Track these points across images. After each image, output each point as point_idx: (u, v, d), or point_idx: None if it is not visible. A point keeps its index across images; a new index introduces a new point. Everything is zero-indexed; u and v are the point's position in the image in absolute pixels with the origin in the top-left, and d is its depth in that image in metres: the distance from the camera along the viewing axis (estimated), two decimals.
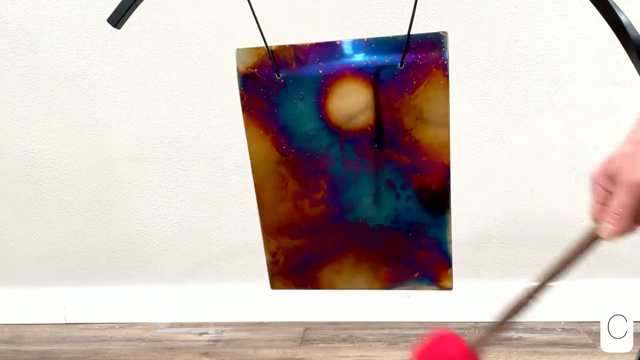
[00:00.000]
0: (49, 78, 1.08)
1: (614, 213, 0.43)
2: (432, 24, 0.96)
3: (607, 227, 0.44)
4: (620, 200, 0.42)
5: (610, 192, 0.44)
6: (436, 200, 0.50)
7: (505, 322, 0.48)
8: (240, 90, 0.50)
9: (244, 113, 0.51)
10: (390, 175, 0.50)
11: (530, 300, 0.48)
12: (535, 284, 0.48)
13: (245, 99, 0.51)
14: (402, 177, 0.50)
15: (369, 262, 0.54)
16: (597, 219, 0.46)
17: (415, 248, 0.52)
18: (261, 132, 0.51)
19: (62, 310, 1.20)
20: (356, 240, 0.53)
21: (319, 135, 0.50)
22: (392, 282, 0.54)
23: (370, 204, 0.52)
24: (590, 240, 0.47)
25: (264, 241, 0.55)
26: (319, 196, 0.52)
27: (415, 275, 0.53)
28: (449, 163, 0.49)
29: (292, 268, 0.55)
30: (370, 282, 0.54)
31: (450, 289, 0.53)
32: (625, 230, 0.44)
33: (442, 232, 0.51)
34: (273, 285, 0.56)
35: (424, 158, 0.49)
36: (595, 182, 0.45)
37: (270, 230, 0.54)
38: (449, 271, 0.53)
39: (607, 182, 0.44)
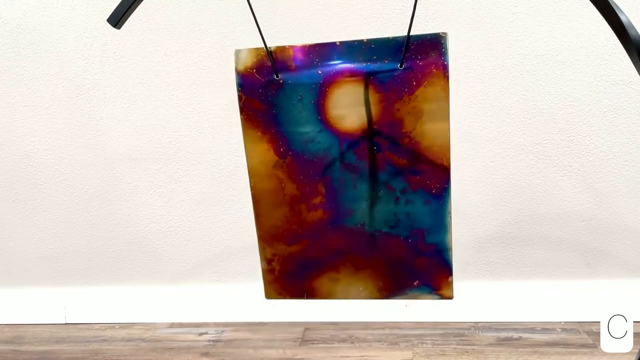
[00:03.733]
0: (49, 78, 1.08)
1: None
2: (432, 24, 0.95)
3: None
4: None
5: None
6: (436, 204, 0.49)
7: None
8: (238, 91, 0.50)
9: (241, 114, 0.50)
10: (389, 178, 0.50)
11: None
12: None
13: (243, 100, 0.50)
14: (402, 180, 0.49)
15: (367, 269, 0.52)
16: None
17: (415, 255, 0.51)
18: (259, 133, 0.51)
19: (62, 310, 1.20)
20: (355, 247, 0.52)
21: (317, 137, 0.50)
22: (392, 291, 0.53)
23: (369, 209, 0.51)
24: None
25: (259, 248, 0.53)
26: (316, 201, 0.51)
27: (415, 283, 0.52)
28: (449, 165, 0.48)
29: (288, 276, 0.54)
30: (369, 291, 0.53)
31: (451, 298, 0.51)
32: None
33: (442, 238, 0.50)
34: (268, 295, 0.55)
35: (424, 160, 0.48)
36: None
37: (266, 236, 0.53)
38: (450, 279, 0.51)
39: None
